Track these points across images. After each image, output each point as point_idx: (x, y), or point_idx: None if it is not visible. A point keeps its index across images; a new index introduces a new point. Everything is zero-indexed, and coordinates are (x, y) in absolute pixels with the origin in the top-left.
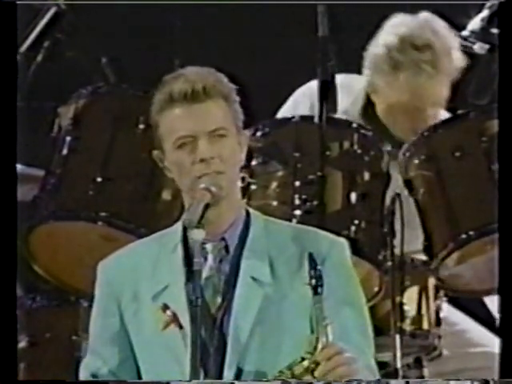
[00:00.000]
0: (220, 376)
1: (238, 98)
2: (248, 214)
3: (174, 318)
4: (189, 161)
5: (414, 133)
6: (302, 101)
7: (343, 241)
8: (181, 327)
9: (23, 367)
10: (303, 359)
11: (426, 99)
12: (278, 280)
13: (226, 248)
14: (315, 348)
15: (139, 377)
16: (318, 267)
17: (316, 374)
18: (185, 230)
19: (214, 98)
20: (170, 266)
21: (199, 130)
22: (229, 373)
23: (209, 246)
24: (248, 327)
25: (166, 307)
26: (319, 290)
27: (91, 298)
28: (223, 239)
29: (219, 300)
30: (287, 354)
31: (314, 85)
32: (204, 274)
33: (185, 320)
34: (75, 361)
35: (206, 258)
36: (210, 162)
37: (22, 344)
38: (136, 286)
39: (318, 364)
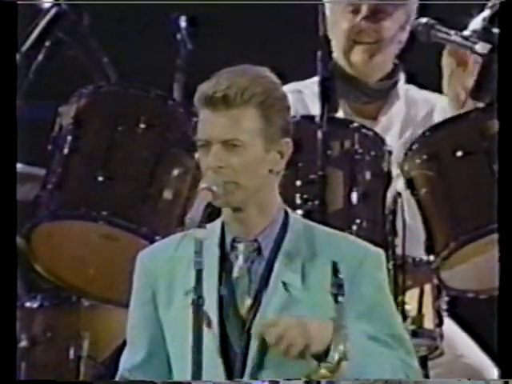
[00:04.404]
0: (242, 377)
1: (286, 105)
2: (287, 216)
3: (205, 316)
4: (204, 164)
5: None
6: None
7: (379, 251)
8: (209, 326)
9: (23, 367)
10: (320, 367)
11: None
12: (309, 286)
13: (259, 250)
14: (332, 356)
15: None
16: (340, 276)
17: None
18: (223, 227)
19: (242, 106)
20: (205, 264)
21: (214, 137)
22: (249, 375)
23: (240, 246)
24: None
25: None
26: (339, 298)
27: (92, 298)
28: (256, 240)
29: (249, 301)
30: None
31: None
32: (234, 274)
33: (214, 319)
34: (75, 361)
35: (237, 258)
36: (218, 171)
37: (22, 344)
38: (171, 279)
39: (333, 372)
